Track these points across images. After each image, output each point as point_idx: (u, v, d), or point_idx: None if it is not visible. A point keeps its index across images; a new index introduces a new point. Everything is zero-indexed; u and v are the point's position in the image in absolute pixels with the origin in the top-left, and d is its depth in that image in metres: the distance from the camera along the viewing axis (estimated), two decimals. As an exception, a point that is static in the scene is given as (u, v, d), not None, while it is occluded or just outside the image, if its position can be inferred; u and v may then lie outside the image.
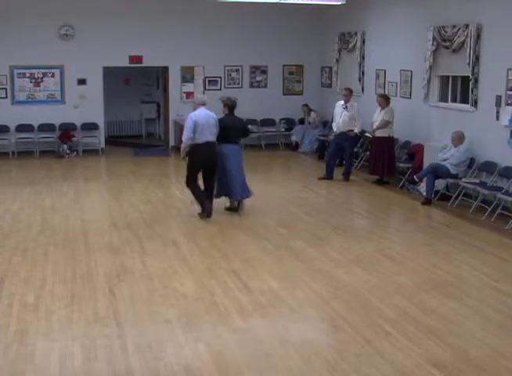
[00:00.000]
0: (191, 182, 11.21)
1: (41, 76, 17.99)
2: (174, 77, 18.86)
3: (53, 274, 8.29)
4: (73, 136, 17.83)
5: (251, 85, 19.33)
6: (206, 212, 11.00)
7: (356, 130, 14.30)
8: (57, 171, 15.59)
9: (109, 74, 18.53)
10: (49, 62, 17.87)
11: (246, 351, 6.14)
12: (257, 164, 16.98)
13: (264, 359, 5.98)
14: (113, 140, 20.05)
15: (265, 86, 19.41)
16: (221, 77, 19.08)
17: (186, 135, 10.98)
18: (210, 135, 11.07)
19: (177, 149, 11.76)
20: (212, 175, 11.21)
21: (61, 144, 17.61)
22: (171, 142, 19.07)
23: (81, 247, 9.46)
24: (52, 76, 18.07)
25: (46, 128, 17.84)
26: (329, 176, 14.32)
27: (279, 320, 6.88)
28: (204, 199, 11.09)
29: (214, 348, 6.16)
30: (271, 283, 7.90)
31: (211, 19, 18.39)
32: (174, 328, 6.62)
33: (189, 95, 18.74)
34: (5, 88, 17.82)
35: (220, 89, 19.00)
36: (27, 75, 17.89)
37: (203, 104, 11.36)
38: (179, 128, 18.14)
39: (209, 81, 19.00)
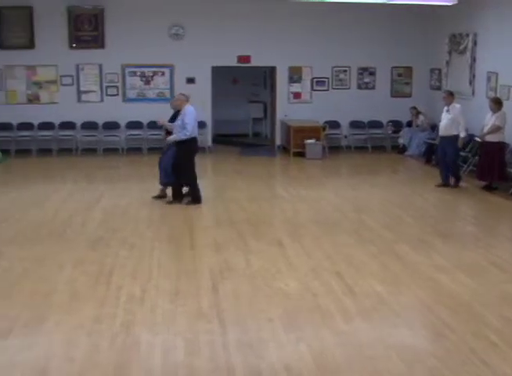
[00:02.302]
0: (194, 174, 12.05)
1: (151, 74, 18.38)
2: (281, 78, 18.93)
3: (159, 269, 8.46)
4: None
5: (359, 87, 19.21)
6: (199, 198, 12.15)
7: (462, 134, 13.58)
8: (165, 168, 15.85)
9: (218, 73, 18.75)
10: (160, 61, 18.24)
11: (347, 353, 6.10)
12: (363, 166, 16.90)
13: (365, 362, 5.92)
14: (220, 139, 20.26)
15: (373, 88, 19.26)
16: (328, 78, 19.03)
17: (191, 131, 11.77)
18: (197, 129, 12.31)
19: (166, 135, 12.44)
20: None
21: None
22: (278, 142, 19.18)
23: (185, 244, 9.61)
24: (162, 75, 18.44)
25: (155, 125, 18.12)
26: (446, 183, 13.80)
27: (382, 324, 6.80)
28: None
29: (315, 349, 6.14)
30: (375, 287, 7.81)
31: (319, 20, 18.37)
32: (276, 327, 6.63)
33: (296, 95, 18.83)
34: (117, 86, 18.32)
35: (327, 90, 19.00)
36: (138, 74, 18.33)
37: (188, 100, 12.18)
38: (286, 128, 18.25)
39: (316, 81, 18.98)
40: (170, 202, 12.10)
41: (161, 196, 12.40)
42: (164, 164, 12.22)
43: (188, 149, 11.94)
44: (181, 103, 11.96)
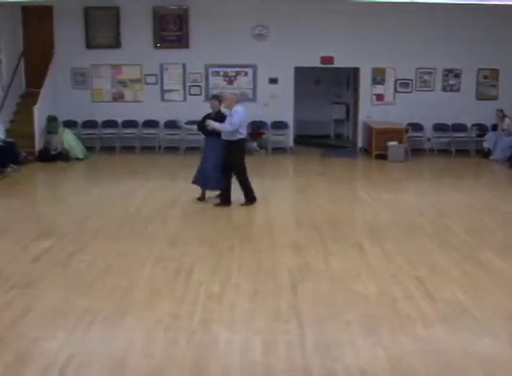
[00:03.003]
0: (246, 175, 11.91)
1: (234, 74, 18.49)
2: (364, 79, 18.80)
3: (238, 268, 8.48)
4: (263, 134, 18.19)
5: (443, 89, 18.94)
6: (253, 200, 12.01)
7: None
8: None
9: (300, 74, 18.73)
10: (243, 61, 18.35)
11: (425, 360, 5.98)
12: (446, 169, 16.66)
13: (444, 369, 5.80)
14: (301, 140, 20.23)
15: (458, 90, 18.95)
16: (412, 80, 18.82)
17: (232, 127, 11.49)
18: (246, 130, 12.23)
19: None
20: None
21: (251, 141, 17.98)
22: (359, 144, 19.06)
23: (265, 244, 9.62)
24: (245, 75, 18.53)
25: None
26: None
27: (462, 332, 6.66)
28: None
29: (392, 354, 6.05)
30: (456, 294, 7.66)
31: (403, 21, 18.22)
32: (354, 330, 6.57)
33: (379, 97, 18.67)
34: (200, 86, 18.51)
35: (411, 92, 18.79)
36: (221, 74, 18.47)
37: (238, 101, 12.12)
38: (368, 129, 18.12)
39: (400, 83, 18.79)
40: (217, 205, 11.93)
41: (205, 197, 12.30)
42: (203, 168, 12.05)
43: (237, 150, 11.75)
44: (231, 102, 11.76)
